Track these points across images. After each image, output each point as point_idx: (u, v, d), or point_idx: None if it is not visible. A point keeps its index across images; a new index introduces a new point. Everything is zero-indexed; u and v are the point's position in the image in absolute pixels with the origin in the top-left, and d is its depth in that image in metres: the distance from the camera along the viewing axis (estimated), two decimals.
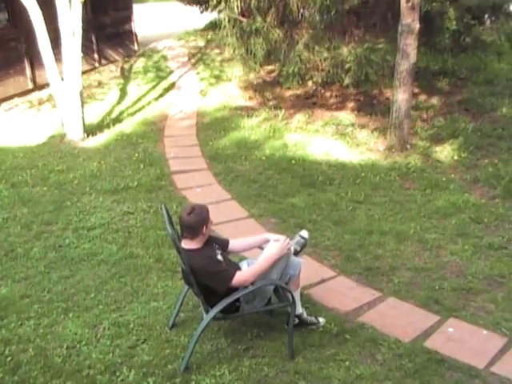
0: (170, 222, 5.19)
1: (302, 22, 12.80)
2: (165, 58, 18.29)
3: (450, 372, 5.28)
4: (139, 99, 14.36)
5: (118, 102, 14.25)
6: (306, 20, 12.52)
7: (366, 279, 6.94)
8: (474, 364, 5.38)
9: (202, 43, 19.69)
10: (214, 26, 18.65)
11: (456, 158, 10.99)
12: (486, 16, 13.92)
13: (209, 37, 19.91)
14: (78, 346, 5.52)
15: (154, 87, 15.38)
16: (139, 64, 17.55)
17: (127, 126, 12.59)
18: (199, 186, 9.55)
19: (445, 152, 11.28)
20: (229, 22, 12.75)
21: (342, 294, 6.58)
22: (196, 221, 5.12)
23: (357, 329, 5.87)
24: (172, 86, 15.54)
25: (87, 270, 6.92)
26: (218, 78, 16.01)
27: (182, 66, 17.28)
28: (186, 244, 5.17)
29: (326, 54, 12.41)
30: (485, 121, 12.72)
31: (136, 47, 19.19)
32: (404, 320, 6.05)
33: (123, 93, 14.91)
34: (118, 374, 5.14)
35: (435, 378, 5.19)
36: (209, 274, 5.05)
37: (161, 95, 14.76)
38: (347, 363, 5.34)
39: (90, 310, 6.11)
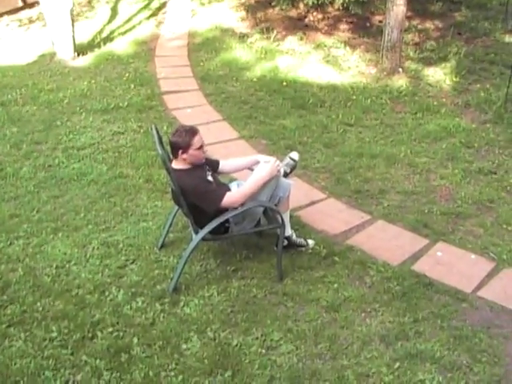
0: (161, 143, 5.15)
1: None
2: None
3: (438, 295, 5.34)
4: (130, 18, 14.09)
5: (109, 21, 13.98)
6: None
7: (356, 202, 6.96)
8: (461, 288, 5.44)
9: None
10: None
11: (448, 82, 10.93)
12: None
13: None
14: (67, 265, 5.53)
15: (145, 7, 15.04)
16: None
17: (118, 45, 12.38)
18: (190, 107, 9.47)
19: (436, 76, 11.21)
20: None
21: (332, 216, 6.60)
22: (173, 142, 5.12)
23: (345, 251, 5.91)
24: (163, 5, 15.22)
25: (77, 190, 6.90)
26: None
27: None
28: (176, 164, 5.15)
29: None
30: (477, 45, 12.65)
31: None
32: (393, 243, 6.09)
33: (114, 12, 14.62)
34: (106, 293, 5.16)
35: (423, 301, 5.25)
36: (198, 195, 5.03)
37: (152, 15, 14.48)
38: (335, 285, 5.38)
39: (80, 229, 6.12)
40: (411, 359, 4.59)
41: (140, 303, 5.03)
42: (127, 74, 10.69)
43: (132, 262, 5.59)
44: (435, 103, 10.03)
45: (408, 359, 4.59)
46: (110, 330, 4.74)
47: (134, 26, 13.61)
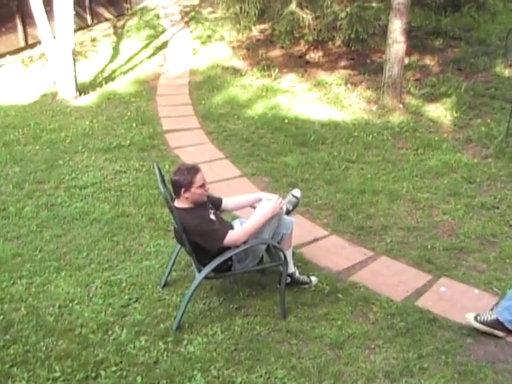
0: (163, 181, 5.18)
1: None
2: (157, 16, 18.13)
3: (442, 331, 5.31)
4: (132, 58, 14.25)
5: (111, 61, 14.13)
6: None
7: (358, 238, 6.97)
8: (465, 324, 5.41)
9: (195, 1, 19.51)
10: None
11: (449, 117, 11.00)
12: None
13: None
14: (70, 304, 5.52)
15: (146, 46, 15.25)
16: (132, 22, 17.36)
17: (120, 84, 12.50)
18: (192, 145, 9.51)
19: (437, 111, 11.29)
20: None
21: (334, 253, 6.60)
22: (174, 180, 5.14)
23: (349, 288, 5.90)
24: (165, 44, 15.42)
25: (79, 229, 6.91)
26: (210, 36, 15.87)
27: (174, 25, 17.13)
28: (179, 203, 5.17)
29: (318, 13, 12.34)
30: (478, 80, 12.72)
31: (128, 5, 18.97)
32: (396, 279, 6.08)
33: (116, 51, 14.79)
34: (110, 332, 5.14)
35: (427, 336, 5.23)
36: (201, 233, 5.04)
37: (153, 54, 14.65)
38: (339, 322, 5.37)
39: (83, 268, 6.11)
40: None
41: (143, 342, 5.01)
42: (129, 113, 10.76)
43: (135, 301, 5.57)
44: (436, 139, 10.08)
45: None
46: (114, 369, 4.71)
47: (135, 65, 13.77)
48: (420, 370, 4.83)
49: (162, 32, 16.45)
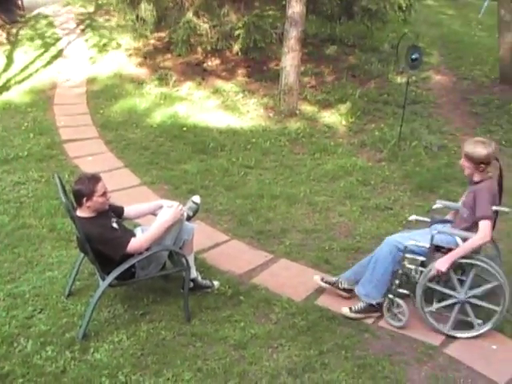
0: (64, 191, 5.18)
1: None
2: (52, 24, 17.71)
3: (341, 327, 5.51)
4: (27, 67, 13.97)
5: (5, 70, 13.79)
6: None
7: (259, 242, 7.12)
8: (363, 319, 5.64)
9: (90, 9, 19.26)
10: None
11: (344, 122, 11.31)
12: None
13: (99, 2, 19.52)
14: None
15: (41, 54, 14.94)
16: (26, 30, 17.02)
17: (15, 94, 12.29)
18: (91, 155, 9.47)
19: (333, 117, 11.59)
20: None
21: (236, 257, 6.73)
22: (76, 190, 5.15)
23: (250, 290, 6.03)
24: (60, 53, 15.15)
25: None
26: (107, 45, 15.68)
27: (70, 33, 16.81)
28: (81, 212, 5.20)
29: (215, 21, 12.47)
30: (371, 87, 13.13)
31: (22, 12, 18.57)
32: (296, 280, 6.24)
33: (10, 60, 14.46)
34: (15, 344, 5.09)
35: (327, 333, 5.41)
36: (104, 242, 5.08)
37: (49, 62, 14.40)
38: (242, 324, 5.49)
39: None
40: None
41: (50, 352, 4.99)
42: (26, 123, 10.60)
43: (39, 312, 5.53)
44: (332, 143, 10.37)
45: None
46: (21, 380, 4.68)
47: (31, 75, 13.51)
48: (321, 365, 5.01)
49: (58, 40, 16.14)
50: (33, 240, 6.83)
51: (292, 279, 6.28)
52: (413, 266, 5.50)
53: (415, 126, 11.00)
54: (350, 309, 5.66)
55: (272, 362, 5.03)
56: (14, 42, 15.73)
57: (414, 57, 9.69)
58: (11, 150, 9.42)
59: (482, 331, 5.47)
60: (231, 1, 12.90)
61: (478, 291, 5.42)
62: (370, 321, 5.63)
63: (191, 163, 9.31)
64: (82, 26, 17.48)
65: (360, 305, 5.67)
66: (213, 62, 14.25)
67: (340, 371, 4.94)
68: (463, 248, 5.25)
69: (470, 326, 5.52)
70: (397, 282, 5.50)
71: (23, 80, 13.14)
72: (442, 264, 5.22)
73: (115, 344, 5.15)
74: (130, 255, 5.20)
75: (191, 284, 5.72)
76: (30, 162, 8.99)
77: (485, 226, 5.22)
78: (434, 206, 6.24)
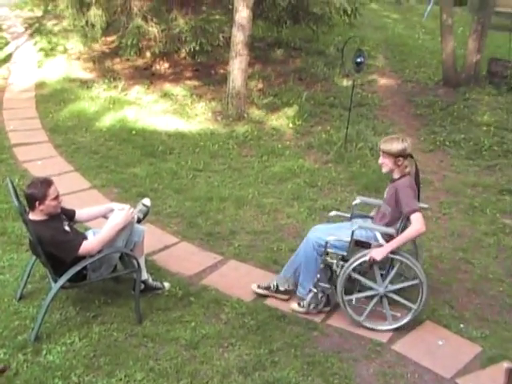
0: (16, 195, 5.22)
1: None
2: (0, 28, 17.72)
3: (291, 326, 5.64)
4: None
5: None
6: None
7: (208, 244, 7.21)
8: (311, 318, 5.77)
9: (39, 13, 19.14)
10: None
11: (291, 125, 11.46)
12: None
13: (48, 7, 19.38)
14: None
15: None
16: None
17: None
18: (40, 159, 9.45)
19: (280, 120, 11.73)
20: None
21: (185, 259, 6.81)
22: (28, 194, 5.17)
23: (200, 291, 6.12)
24: (8, 57, 15.10)
25: None
26: (56, 49, 15.60)
27: (18, 37, 16.76)
28: (33, 215, 5.24)
29: (163, 26, 12.53)
30: (318, 90, 13.31)
31: None
32: (245, 280, 6.33)
33: None
34: None
35: (277, 332, 5.53)
36: (56, 244, 5.13)
37: None
38: (193, 324, 5.58)
39: None
40: None
41: (2, 355, 5.01)
42: None
43: None
44: (280, 146, 10.50)
45: None
46: None
47: None
48: (272, 363, 5.12)
49: (6, 44, 16.09)
50: None
51: (241, 280, 6.38)
52: (334, 260, 5.63)
53: (361, 128, 11.19)
54: (299, 304, 5.83)
55: (223, 361, 5.12)
56: None
57: (358, 60, 9.87)
58: None
59: (395, 326, 5.68)
60: (179, 5, 12.96)
61: (397, 287, 5.63)
62: (318, 319, 5.76)
63: (140, 166, 9.37)
64: (30, 30, 17.39)
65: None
66: (161, 66, 14.29)
67: (290, 369, 5.06)
68: (400, 239, 5.40)
69: (384, 318, 5.73)
70: (318, 276, 5.66)
71: None
72: (378, 253, 5.37)
73: (67, 346, 5.19)
74: (82, 257, 5.25)
75: (142, 286, 5.78)
76: None
77: (417, 217, 5.36)
78: (354, 202, 6.44)
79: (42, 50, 15.64)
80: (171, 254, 6.94)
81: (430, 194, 8.96)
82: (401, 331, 5.68)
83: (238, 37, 11.31)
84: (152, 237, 6.70)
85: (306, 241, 5.84)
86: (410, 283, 5.67)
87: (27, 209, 5.28)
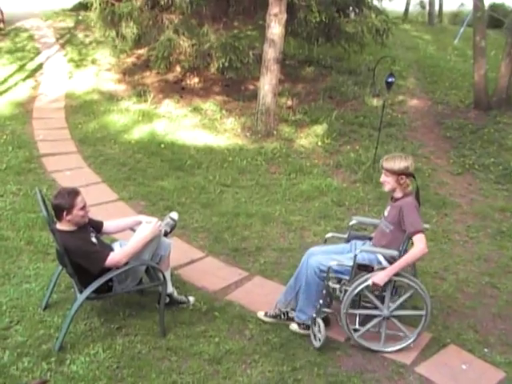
0: (44, 205, 5.25)
1: (172, 7, 12.89)
2: (32, 37, 17.81)
3: None
4: (6, 80, 14.05)
5: None
6: (176, 5, 12.60)
7: (234, 259, 7.22)
8: (336, 337, 5.73)
9: (70, 24, 19.31)
10: (83, 6, 18.39)
11: (320, 143, 11.43)
12: (350, 9, 14.44)
13: (79, 17, 19.59)
14: None
15: (21, 68, 15.03)
16: (5, 43, 17.03)
17: None
18: (69, 169, 9.53)
19: (309, 138, 11.72)
20: (99, 3, 12.73)
21: (211, 273, 6.82)
22: (56, 204, 5.19)
23: (225, 307, 6.12)
24: (40, 67, 15.25)
25: None
26: (87, 60, 15.80)
27: (49, 47, 16.90)
28: (61, 226, 5.26)
29: (194, 40, 12.57)
30: (348, 108, 13.27)
31: (2, 25, 18.58)
32: (270, 297, 6.28)
33: None
34: None
35: (300, 350, 5.51)
36: (83, 255, 5.15)
37: (28, 76, 14.48)
38: (217, 339, 5.57)
39: None
40: None
41: (26, 363, 5.02)
42: (4, 136, 10.65)
43: (16, 323, 5.57)
44: (308, 164, 10.49)
45: None
46: None
47: (9, 87, 13.59)
48: (294, 381, 5.10)
49: (37, 54, 16.23)
50: (10, 252, 6.85)
51: (266, 296, 6.36)
52: (337, 286, 5.56)
53: (390, 148, 11.16)
54: (299, 325, 5.77)
55: (246, 377, 5.10)
56: None
57: (389, 80, 9.86)
58: None
59: (413, 339, 5.62)
60: (211, 20, 13.03)
61: (398, 303, 5.54)
62: (342, 339, 5.72)
63: (168, 180, 9.40)
64: (61, 41, 17.54)
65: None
66: (191, 81, 14.36)
67: None
68: (403, 261, 5.34)
69: (397, 338, 5.68)
70: (321, 301, 5.56)
71: (2, 93, 13.22)
72: (380, 279, 5.31)
73: (91, 356, 5.20)
74: (108, 269, 5.26)
75: (167, 299, 5.79)
76: (9, 175, 9.04)
77: (420, 238, 5.32)
78: (351, 223, 6.39)
79: (72, 60, 15.79)
80: (197, 268, 6.95)
81: (458, 217, 8.92)
82: (424, 354, 5.64)
83: (270, 53, 11.34)
84: (178, 251, 6.69)
85: (307, 266, 5.73)
86: (415, 313, 5.63)
87: (55, 219, 5.30)
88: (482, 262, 7.69)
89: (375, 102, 13.67)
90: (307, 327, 5.72)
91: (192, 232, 7.83)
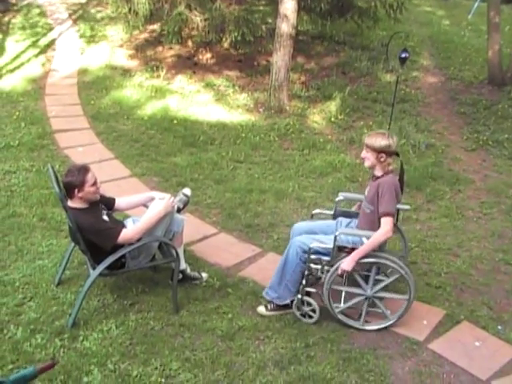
0: (57, 181, 5.24)
1: None
2: (44, 13, 17.75)
3: (327, 321, 5.62)
4: (18, 56, 13.99)
5: None
6: None
7: (247, 236, 7.21)
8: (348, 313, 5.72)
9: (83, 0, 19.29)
10: None
11: (333, 119, 11.37)
12: None
13: None
14: None
15: (33, 44, 14.97)
16: (17, 19, 16.99)
17: (6, 83, 12.31)
18: (81, 146, 9.52)
19: (322, 114, 11.65)
20: None
21: (224, 250, 6.82)
22: (66, 182, 5.18)
23: (238, 283, 6.14)
24: (52, 43, 15.19)
25: None
26: (99, 36, 15.74)
27: (62, 23, 16.86)
28: (73, 203, 5.25)
29: (207, 15, 12.51)
30: (361, 84, 13.19)
31: (14, 1, 18.51)
32: None
33: (1, 49, 14.40)
34: (5, 331, 5.15)
35: (313, 326, 5.53)
36: (95, 232, 5.15)
37: (41, 52, 14.41)
38: (230, 315, 5.59)
39: None
40: (304, 382, 4.83)
41: (39, 339, 5.06)
42: (17, 113, 10.64)
43: (29, 300, 5.60)
44: (321, 140, 10.44)
45: (301, 382, 4.83)
46: (11, 367, 4.74)
47: (22, 64, 13.52)
48: (307, 357, 5.12)
49: (50, 30, 16.17)
50: (23, 229, 6.88)
51: None
52: (318, 266, 5.51)
53: (403, 124, 11.10)
54: (266, 307, 5.71)
55: (259, 353, 5.12)
56: (5, 31, 15.72)
57: (403, 56, 9.76)
58: (2, 138, 9.47)
59: (393, 321, 5.60)
60: None
61: (381, 285, 5.50)
62: (355, 315, 5.71)
63: (181, 156, 9.38)
64: (74, 17, 17.49)
65: (274, 305, 5.73)
66: (204, 56, 14.29)
67: (325, 364, 5.05)
68: (366, 246, 5.27)
69: (380, 317, 5.67)
70: (304, 282, 5.52)
71: (15, 69, 13.17)
72: (346, 264, 5.26)
73: (104, 333, 5.23)
74: (121, 245, 5.27)
75: (180, 275, 5.81)
76: (21, 152, 9.04)
77: (387, 221, 5.25)
78: (337, 199, 6.33)
79: (85, 36, 15.74)
80: (210, 244, 6.95)
81: (472, 193, 8.87)
82: (438, 331, 5.64)
83: (282, 28, 11.25)
84: (191, 227, 6.71)
85: (290, 247, 5.62)
86: (393, 278, 5.52)
87: (66, 197, 5.29)
88: (496, 238, 7.66)
89: (388, 77, 13.57)
90: (277, 307, 5.69)
91: (205, 208, 7.83)
